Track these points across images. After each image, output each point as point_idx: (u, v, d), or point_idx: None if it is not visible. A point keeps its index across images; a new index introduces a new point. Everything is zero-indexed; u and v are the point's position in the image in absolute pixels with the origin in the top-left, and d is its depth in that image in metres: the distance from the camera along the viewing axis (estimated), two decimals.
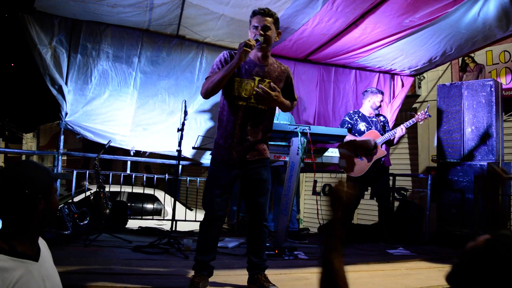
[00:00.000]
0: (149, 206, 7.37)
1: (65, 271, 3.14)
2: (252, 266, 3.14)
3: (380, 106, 5.39)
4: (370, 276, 3.72)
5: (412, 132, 8.34)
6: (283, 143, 4.51)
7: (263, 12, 3.00)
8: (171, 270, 3.49)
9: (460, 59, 7.59)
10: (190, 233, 5.55)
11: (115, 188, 6.35)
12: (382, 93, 5.43)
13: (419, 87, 8.26)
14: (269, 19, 3.01)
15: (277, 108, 5.32)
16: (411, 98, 8.15)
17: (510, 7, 4.40)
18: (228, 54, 3.07)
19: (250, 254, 3.16)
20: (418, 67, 6.32)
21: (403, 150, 8.54)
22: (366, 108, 5.38)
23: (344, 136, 4.61)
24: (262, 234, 3.16)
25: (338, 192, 1.55)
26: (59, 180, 5.11)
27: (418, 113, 5.15)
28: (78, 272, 3.23)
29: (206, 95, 3.00)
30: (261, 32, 2.97)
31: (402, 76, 6.76)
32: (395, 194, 6.79)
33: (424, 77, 8.15)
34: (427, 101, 8.14)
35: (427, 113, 5.12)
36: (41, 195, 1.55)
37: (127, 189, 6.61)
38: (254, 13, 3.02)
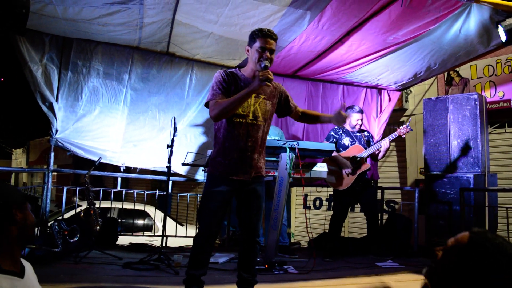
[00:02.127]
0: (140, 222, 7.37)
1: None
2: (242, 282, 3.17)
3: (357, 125, 5.47)
4: None
5: (400, 145, 8.45)
6: (272, 158, 4.57)
7: (271, 35, 3.03)
8: (161, 287, 3.51)
9: (446, 73, 7.74)
10: (180, 249, 5.56)
11: (105, 204, 6.36)
12: (361, 112, 5.52)
13: (406, 101, 8.39)
14: (275, 43, 3.07)
15: None
16: (398, 112, 8.27)
17: (490, 24, 4.53)
18: (224, 73, 3.09)
19: (241, 269, 3.17)
20: (404, 82, 6.45)
21: (392, 163, 8.64)
22: (349, 124, 5.51)
23: (332, 151, 4.70)
24: (255, 250, 3.19)
25: None
26: (49, 196, 5.12)
27: (401, 127, 5.27)
28: None
29: (218, 118, 3.01)
30: (268, 55, 3.01)
31: (388, 91, 6.89)
32: (385, 207, 6.86)
33: (411, 91, 8.29)
34: (414, 114, 8.27)
35: (409, 127, 5.25)
36: (15, 205, 1.60)
37: (118, 205, 6.62)
38: (263, 34, 3.01)
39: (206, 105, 3.08)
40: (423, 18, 4.49)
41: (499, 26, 4.35)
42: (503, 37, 4.38)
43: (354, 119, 5.46)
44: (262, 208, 3.20)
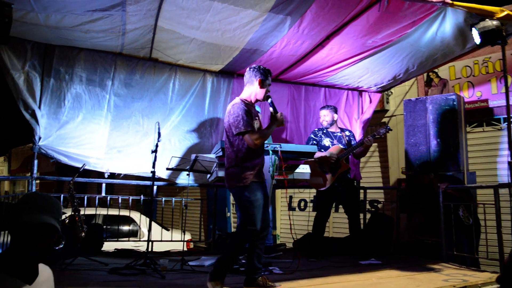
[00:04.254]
0: (125, 227, 7.36)
1: None
2: (255, 270, 3.69)
3: (323, 121, 5.64)
4: (343, 287, 3.85)
5: (382, 145, 8.59)
6: None
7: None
8: None
9: (425, 74, 7.89)
10: (166, 253, 5.58)
11: (90, 211, 6.35)
12: (328, 109, 5.64)
13: (387, 102, 8.53)
14: None
15: None
16: (380, 113, 8.40)
17: (465, 26, 4.67)
18: (245, 104, 3.74)
19: (256, 260, 3.69)
20: (384, 84, 6.58)
21: (374, 164, 8.77)
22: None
23: (314, 153, 4.79)
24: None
25: None
26: None
27: (379, 128, 5.44)
28: None
29: (257, 146, 3.67)
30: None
31: (369, 93, 7.01)
32: (368, 206, 6.97)
33: (391, 93, 8.43)
34: (395, 115, 8.42)
35: (388, 127, 5.40)
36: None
37: (103, 211, 6.60)
38: (271, 75, 3.91)
39: (241, 134, 3.63)
40: (400, 22, 4.60)
41: (473, 28, 4.48)
42: (477, 40, 4.51)
43: (320, 115, 5.65)
44: None
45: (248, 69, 3.92)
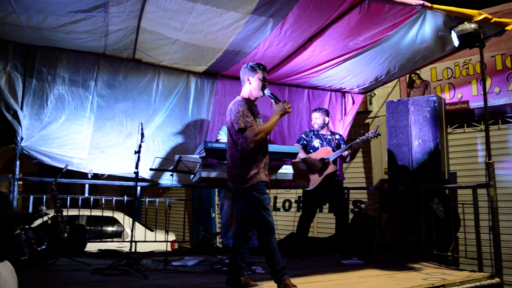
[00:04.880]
0: (109, 228, 7.33)
1: None
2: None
3: (315, 123, 5.75)
4: (324, 286, 3.90)
5: (365, 146, 8.68)
6: None
7: (266, 68, 3.97)
8: None
9: (407, 76, 8.01)
10: (150, 254, 5.59)
11: (73, 212, 6.31)
12: (319, 111, 5.77)
13: (370, 103, 8.64)
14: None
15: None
16: (363, 114, 8.50)
17: (444, 29, 4.76)
18: (245, 101, 3.78)
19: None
20: (366, 85, 6.66)
21: (358, 164, 8.85)
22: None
23: (297, 154, 4.84)
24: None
25: None
26: (15, 206, 5.06)
27: (368, 132, 5.48)
28: None
29: (259, 142, 3.67)
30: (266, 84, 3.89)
31: (352, 94, 7.08)
32: (351, 207, 7.04)
33: (374, 94, 8.53)
34: (378, 116, 8.52)
35: (377, 132, 5.44)
36: None
37: (86, 212, 6.57)
38: (263, 68, 3.89)
39: (241, 130, 3.64)
40: (381, 25, 4.67)
41: (452, 31, 4.58)
42: (456, 42, 4.62)
43: (312, 117, 5.76)
44: None
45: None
